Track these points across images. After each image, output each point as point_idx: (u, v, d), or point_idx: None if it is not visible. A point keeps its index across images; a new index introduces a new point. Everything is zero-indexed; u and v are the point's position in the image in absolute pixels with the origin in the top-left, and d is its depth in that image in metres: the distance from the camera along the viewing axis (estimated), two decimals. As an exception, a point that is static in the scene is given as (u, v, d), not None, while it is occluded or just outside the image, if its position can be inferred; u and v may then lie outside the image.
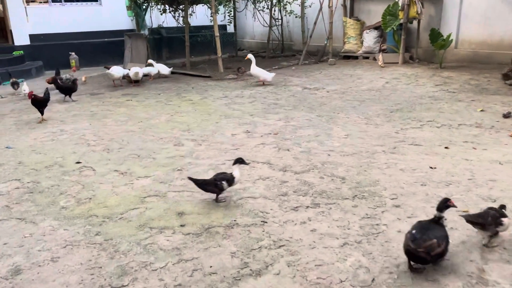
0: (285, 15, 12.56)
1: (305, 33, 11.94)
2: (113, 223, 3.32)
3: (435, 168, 4.14)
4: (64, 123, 6.25)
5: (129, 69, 9.05)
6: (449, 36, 9.24)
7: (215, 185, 3.50)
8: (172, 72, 10.58)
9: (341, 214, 3.33)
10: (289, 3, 11.98)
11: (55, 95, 7.76)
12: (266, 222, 3.24)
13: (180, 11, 11.36)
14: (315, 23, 11.21)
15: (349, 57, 11.64)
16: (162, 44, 12.96)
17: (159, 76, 9.79)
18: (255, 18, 12.93)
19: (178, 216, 3.39)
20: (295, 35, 13.62)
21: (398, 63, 10.21)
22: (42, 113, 6.37)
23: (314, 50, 12.12)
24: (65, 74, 8.80)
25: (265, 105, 6.98)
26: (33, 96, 6.27)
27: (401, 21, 9.97)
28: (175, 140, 5.29)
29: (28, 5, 11.45)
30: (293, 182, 3.94)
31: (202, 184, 3.55)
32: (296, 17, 12.19)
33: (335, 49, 11.61)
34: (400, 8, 9.92)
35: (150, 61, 9.17)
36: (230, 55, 13.56)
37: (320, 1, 11.04)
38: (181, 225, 3.24)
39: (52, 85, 8.60)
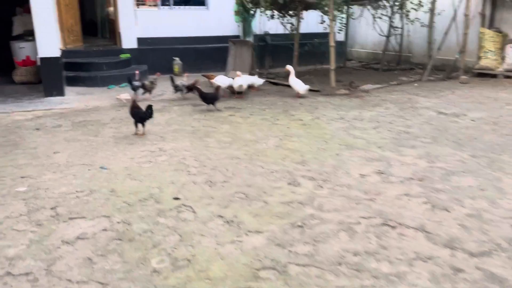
0: (407, 23, 11.02)
1: (431, 44, 10.28)
2: (217, 313, 2.38)
3: None
4: (163, 140, 5.60)
5: (233, 78, 8.33)
6: None
7: None
8: (275, 84, 9.73)
9: None
10: (414, 9, 10.42)
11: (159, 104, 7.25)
12: None
13: (289, 17, 10.42)
14: (445, 33, 9.55)
15: (485, 75, 9.77)
16: (266, 51, 12.15)
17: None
18: (372, 26, 11.56)
19: (309, 314, 2.35)
20: (415, 46, 11.97)
21: (555, 85, 8.22)
22: (143, 125, 5.82)
23: (439, 65, 10.43)
24: (179, 81, 8.30)
25: (394, 134, 5.71)
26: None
27: None
28: (289, 177, 4.29)
29: (138, 8, 11.38)
30: (472, 272, 2.68)
31: None
32: (421, 25, 10.57)
33: (466, 64, 9.83)
34: None
35: (238, 72, 8.28)
36: (337, 66, 12.33)
37: (454, 8, 9.37)
38: (315, 336, 2.20)
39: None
